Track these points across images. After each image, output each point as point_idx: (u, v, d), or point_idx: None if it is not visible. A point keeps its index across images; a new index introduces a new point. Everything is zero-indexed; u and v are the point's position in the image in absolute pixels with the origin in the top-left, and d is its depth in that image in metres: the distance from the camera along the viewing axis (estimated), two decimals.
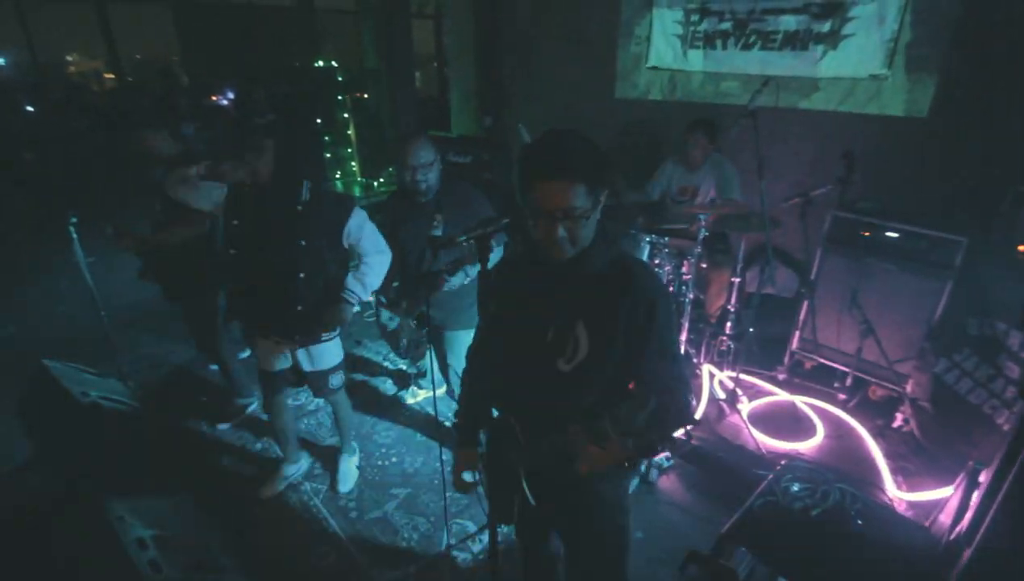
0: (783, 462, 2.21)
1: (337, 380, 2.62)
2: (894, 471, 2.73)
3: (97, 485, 2.17)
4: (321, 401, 3.48)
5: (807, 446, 2.95)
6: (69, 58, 18.24)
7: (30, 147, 4.02)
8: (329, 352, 2.52)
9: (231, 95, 7.69)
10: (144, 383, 3.52)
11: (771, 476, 2.09)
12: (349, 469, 2.89)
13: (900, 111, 3.47)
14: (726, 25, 3.95)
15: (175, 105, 6.49)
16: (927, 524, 2.17)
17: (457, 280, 2.54)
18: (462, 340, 2.64)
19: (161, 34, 10.89)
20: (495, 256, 1.22)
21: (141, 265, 3.10)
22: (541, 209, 1.19)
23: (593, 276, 1.30)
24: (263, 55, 9.71)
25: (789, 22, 3.70)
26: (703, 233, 3.06)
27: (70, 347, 3.24)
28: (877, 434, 3.00)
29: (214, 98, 7.54)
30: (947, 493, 2.34)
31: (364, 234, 2.35)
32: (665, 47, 4.31)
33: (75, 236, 2.96)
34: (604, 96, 4.73)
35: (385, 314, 2.85)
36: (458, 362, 2.66)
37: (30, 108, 6.84)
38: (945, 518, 2.05)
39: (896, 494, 2.61)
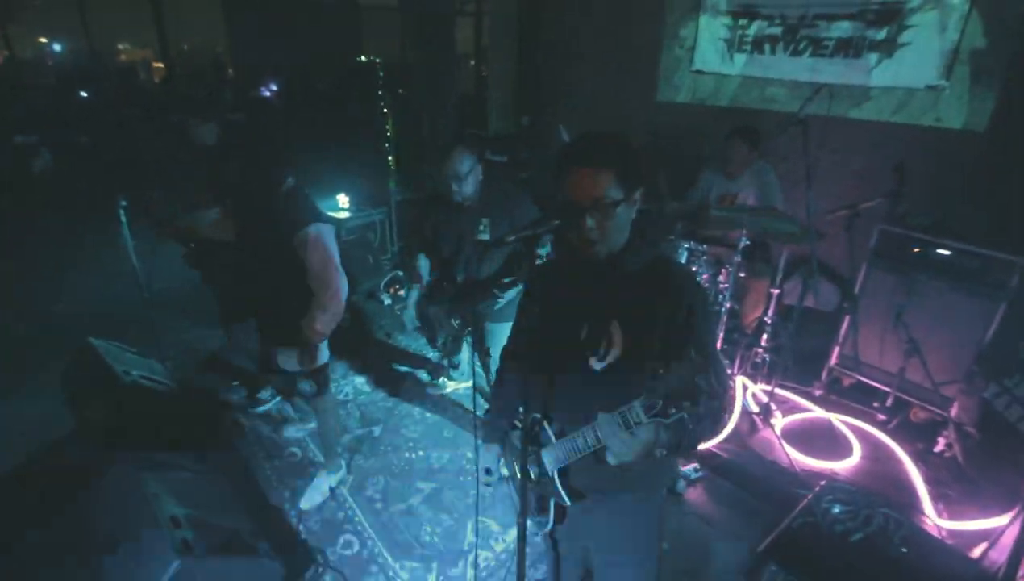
0: (823, 482, 2.14)
1: (306, 386, 2.56)
2: (934, 498, 2.62)
3: (134, 461, 2.22)
4: (350, 392, 3.52)
5: (843, 466, 2.85)
6: (120, 47, 18.87)
7: (85, 131, 4.18)
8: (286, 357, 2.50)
9: (274, 87, 7.86)
10: (180, 365, 3.60)
11: (811, 496, 2.02)
12: (319, 486, 2.73)
13: (957, 124, 3.33)
14: (775, 30, 3.86)
15: (221, 96, 6.67)
16: (978, 556, 2.07)
17: (510, 294, 2.53)
18: (504, 332, 2.64)
19: (208, 26, 11.17)
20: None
21: (183, 250, 3.19)
22: (571, 199, 1.20)
23: (630, 275, 1.29)
24: (308, 49, 9.85)
25: (842, 28, 3.59)
26: (743, 242, 2.99)
27: (114, 326, 3.33)
28: (917, 458, 2.88)
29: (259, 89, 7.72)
30: (998, 524, 2.24)
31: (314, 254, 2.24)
32: (711, 50, 4.24)
33: (124, 219, 3.05)
34: (645, 99, 4.66)
35: (409, 314, 2.83)
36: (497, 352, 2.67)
37: (84, 93, 7.11)
38: (997, 553, 1.96)
39: (938, 522, 2.51)
